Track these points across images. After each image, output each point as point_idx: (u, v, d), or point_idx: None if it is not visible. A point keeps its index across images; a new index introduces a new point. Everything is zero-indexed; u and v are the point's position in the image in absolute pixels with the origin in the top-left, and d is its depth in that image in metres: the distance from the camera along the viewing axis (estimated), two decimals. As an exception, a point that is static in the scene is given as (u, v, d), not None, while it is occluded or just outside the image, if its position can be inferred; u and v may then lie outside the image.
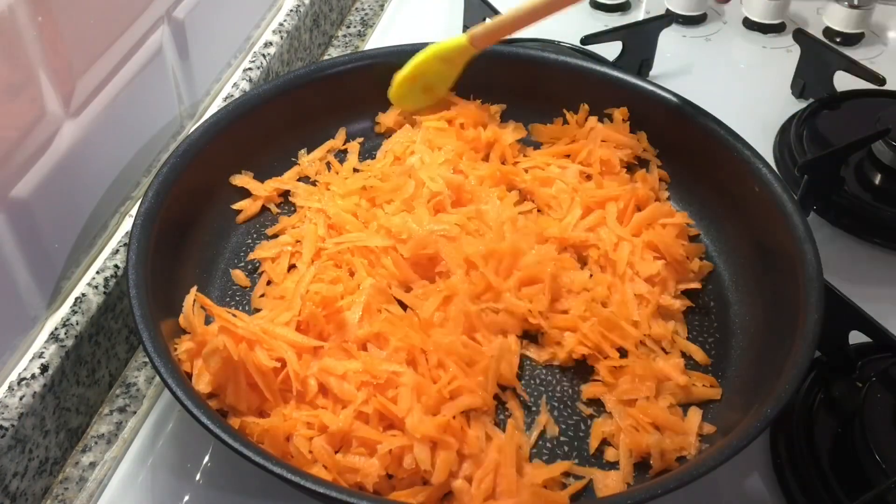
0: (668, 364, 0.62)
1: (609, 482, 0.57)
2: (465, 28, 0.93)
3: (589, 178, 0.75)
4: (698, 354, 0.64)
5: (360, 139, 0.79)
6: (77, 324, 0.61)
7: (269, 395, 0.56)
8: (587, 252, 0.69)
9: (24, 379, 0.57)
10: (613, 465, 0.58)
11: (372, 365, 0.57)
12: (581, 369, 0.63)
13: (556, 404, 0.62)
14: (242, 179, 0.73)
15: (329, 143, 0.78)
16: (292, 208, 0.73)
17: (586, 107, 0.78)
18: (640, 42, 0.92)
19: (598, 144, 0.76)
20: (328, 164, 0.77)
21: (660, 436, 0.58)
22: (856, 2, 0.99)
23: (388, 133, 0.80)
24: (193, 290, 0.60)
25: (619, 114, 0.77)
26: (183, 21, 0.72)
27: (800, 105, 0.91)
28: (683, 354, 0.64)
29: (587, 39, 0.90)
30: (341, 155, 0.78)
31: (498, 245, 0.65)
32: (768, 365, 0.59)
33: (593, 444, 0.59)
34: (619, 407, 0.60)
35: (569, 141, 0.78)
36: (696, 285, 0.69)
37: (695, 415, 0.59)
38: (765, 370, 0.59)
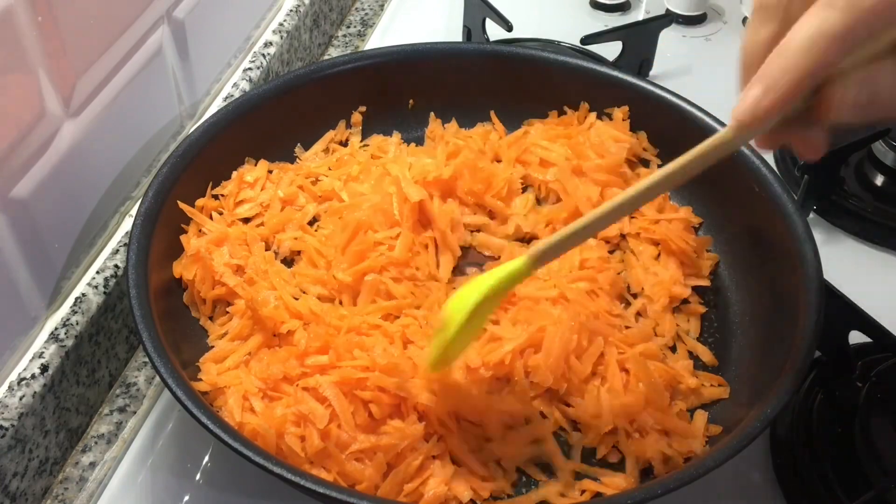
0: (678, 366, 0.62)
1: (613, 484, 0.56)
2: (465, 28, 0.93)
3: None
4: (706, 355, 0.64)
5: (363, 108, 0.79)
6: (77, 324, 0.61)
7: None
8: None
9: (24, 379, 0.57)
10: (614, 466, 0.58)
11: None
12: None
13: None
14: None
15: (330, 134, 0.78)
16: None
17: (586, 105, 0.78)
18: (640, 42, 0.91)
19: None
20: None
21: (667, 440, 0.57)
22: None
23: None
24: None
25: (619, 112, 0.77)
26: (183, 21, 0.72)
27: (799, 105, 0.90)
28: (690, 355, 0.64)
29: (587, 39, 0.90)
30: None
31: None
32: (768, 365, 0.59)
33: (602, 450, 0.59)
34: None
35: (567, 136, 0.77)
36: (705, 282, 0.69)
37: (701, 418, 0.59)
38: (765, 370, 0.59)
